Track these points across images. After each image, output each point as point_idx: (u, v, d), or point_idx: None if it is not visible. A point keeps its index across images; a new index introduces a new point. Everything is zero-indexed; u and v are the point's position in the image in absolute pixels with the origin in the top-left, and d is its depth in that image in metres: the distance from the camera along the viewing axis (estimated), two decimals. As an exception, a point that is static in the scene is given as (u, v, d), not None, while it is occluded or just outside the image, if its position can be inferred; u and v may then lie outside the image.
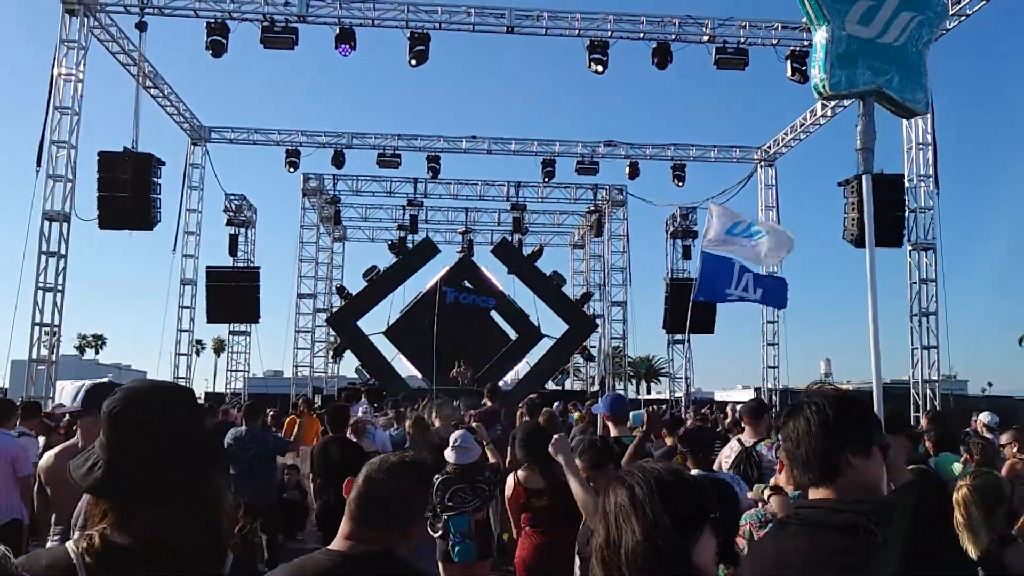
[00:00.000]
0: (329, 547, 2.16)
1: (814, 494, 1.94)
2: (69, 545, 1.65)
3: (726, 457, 6.07)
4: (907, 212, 17.29)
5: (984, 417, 11.11)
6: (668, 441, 7.16)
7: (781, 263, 15.53)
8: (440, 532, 5.80)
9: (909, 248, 17.26)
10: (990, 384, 79.63)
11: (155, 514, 1.64)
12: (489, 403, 10.80)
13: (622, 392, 29.36)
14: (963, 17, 16.25)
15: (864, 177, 4.04)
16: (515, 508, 5.31)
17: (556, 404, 14.96)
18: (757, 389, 25.69)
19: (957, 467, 5.98)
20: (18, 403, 9.20)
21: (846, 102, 19.90)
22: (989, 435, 10.91)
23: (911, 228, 17.26)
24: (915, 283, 17.15)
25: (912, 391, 17.12)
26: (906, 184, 17.32)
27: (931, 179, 17.09)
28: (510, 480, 5.38)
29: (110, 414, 1.71)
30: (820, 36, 3.96)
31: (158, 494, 1.65)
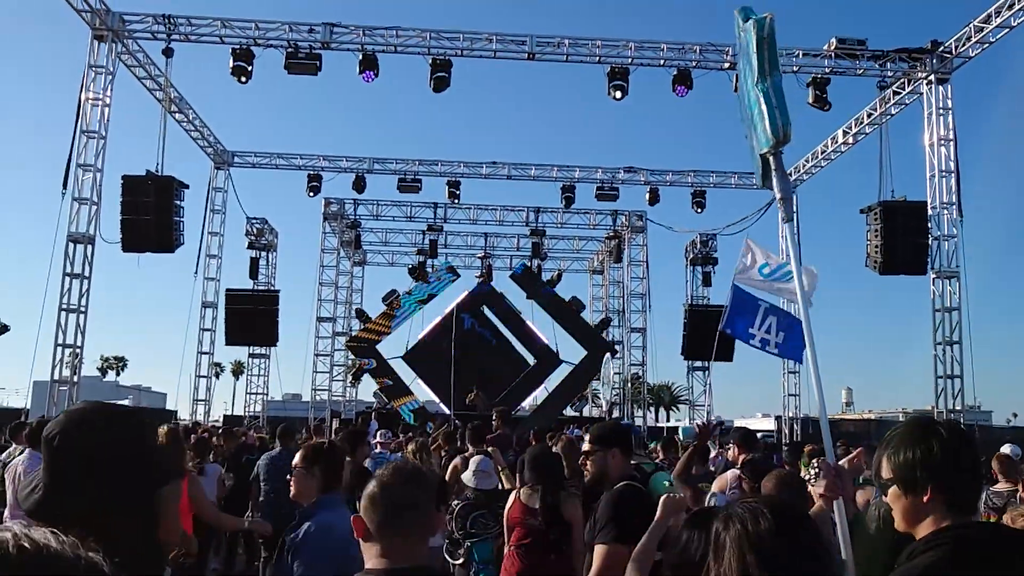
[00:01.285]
0: (367, 568, 2.13)
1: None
2: None
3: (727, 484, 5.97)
4: (930, 240, 17.13)
5: (1006, 449, 11.14)
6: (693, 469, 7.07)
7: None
8: (462, 559, 5.72)
9: (933, 276, 17.08)
10: (1015, 415, 78.47)
11: (97, 535, 1.62)
12: (499, 429, 10.74)
13: (639, 420, 29.14)
14: (986, 45, 16.20)
15: (787, 225, 4.10)
16: (510, 523, 5.20)
17: (573, 430, 14.82)
18: (778, 417, 25.42)
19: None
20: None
21: (868, 129, 19.89)
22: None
23: (934, 256, 17.09)
24: (939, 311, 16.94)
25: (936, 421, 16.85)
26: (929, 212, 17.19)
27: (954, 207, 16.95)
28: (512, 495, 5.30)
29: (47, 439, 1.71)
30: (772, 83, 4.01)
31: (95, 516, 1.62)
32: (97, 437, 1.72)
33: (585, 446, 4.09)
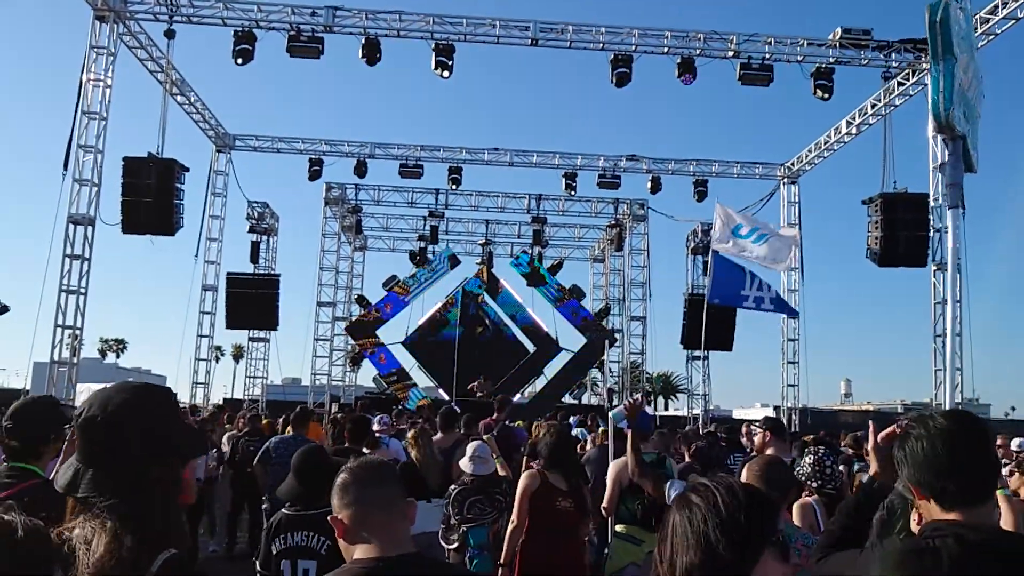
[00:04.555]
0: (356, 558, 2.13)
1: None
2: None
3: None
4: (931, 232, 17.08)
5: (1015, 443, 11.52)
6: (686, 457, 7.07)
7: (790, 272, 15.28)
8: (456, 544, 5.74)
9: (933, 268, 17.04)
10: (1013, 408, 78.56)
11: (111, 510, 1.70)
12: (500, 417, 10.78)
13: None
14: (992, 36, 16.10)
15: (951, 212, 4.10)
16: (536, 506, 5.27)
17: (572, 419, 14.78)
18: (776, 407, 25.46)
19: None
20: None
21: (872, 120, 19.81)
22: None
23: (935, 248, 17.04)
24: (938, 303, 16.92)
25: (934, 413, 16.86)
26: (931, 204, 17.12)
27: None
28: (531, 479, 5.35)
29: (77, 419, 1.81)
30: (944, 68, 3.97)
31: (122, 491, 1.72)
32: (104, 415, 1.78)
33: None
